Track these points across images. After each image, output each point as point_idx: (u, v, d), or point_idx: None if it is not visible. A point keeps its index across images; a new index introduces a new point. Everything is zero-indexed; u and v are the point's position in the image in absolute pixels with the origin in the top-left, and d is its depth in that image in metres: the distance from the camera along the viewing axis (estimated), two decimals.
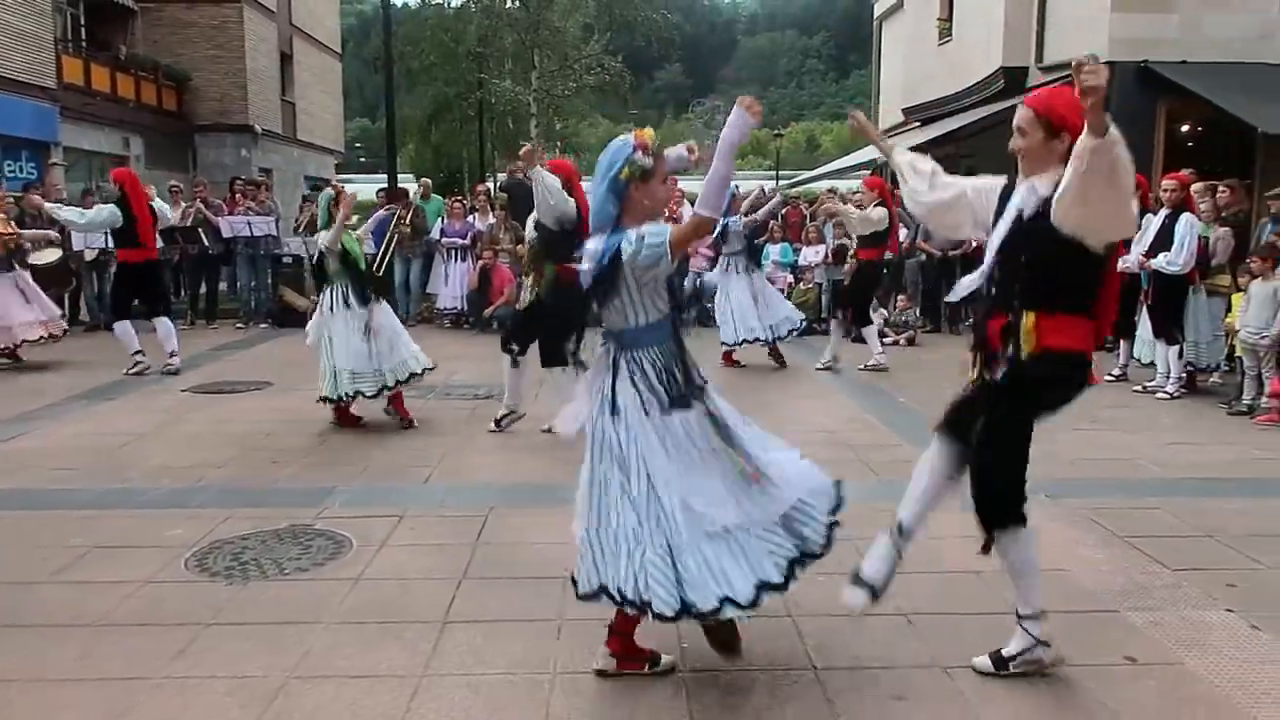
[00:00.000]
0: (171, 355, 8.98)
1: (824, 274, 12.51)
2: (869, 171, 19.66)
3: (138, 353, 8.88)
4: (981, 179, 3.29)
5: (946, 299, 10.84)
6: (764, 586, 2.82)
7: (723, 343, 9.26)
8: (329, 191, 6.72)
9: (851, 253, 9.90)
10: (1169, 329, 7.93)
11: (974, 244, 12.04)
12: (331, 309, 6.48)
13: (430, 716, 2.93)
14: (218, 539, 4.47)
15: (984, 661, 3.17)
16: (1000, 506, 3.08)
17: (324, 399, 6.51)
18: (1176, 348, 7.92)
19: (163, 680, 3.14)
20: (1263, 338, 7.20)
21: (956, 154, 17.20)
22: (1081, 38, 13.98)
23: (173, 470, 5.68)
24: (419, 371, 6.65)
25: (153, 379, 8.67)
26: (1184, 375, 8.01)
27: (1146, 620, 3.59)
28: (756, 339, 9.09)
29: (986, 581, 3.93)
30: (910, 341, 11.14)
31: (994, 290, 3.07)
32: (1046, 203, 2.86)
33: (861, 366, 9.30)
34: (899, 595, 3.79)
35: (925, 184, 3.32)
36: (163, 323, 9.12)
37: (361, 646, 3.38)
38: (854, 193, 10.31)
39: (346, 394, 6.42)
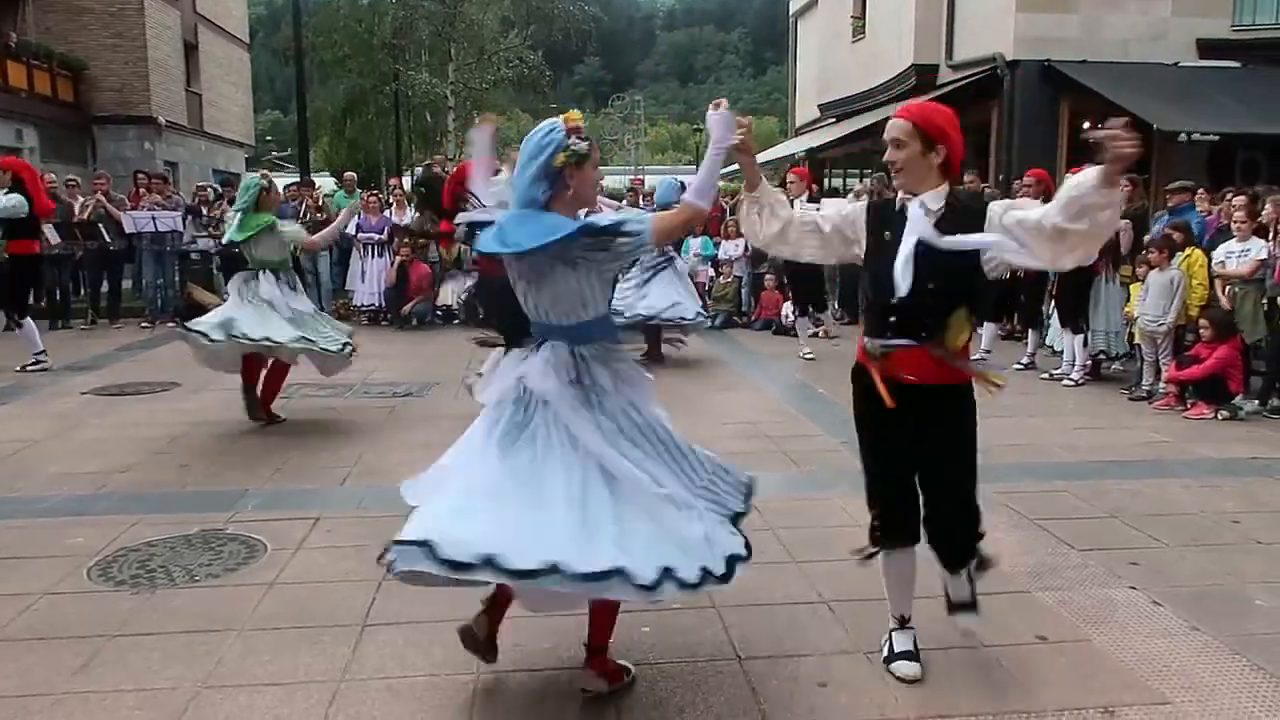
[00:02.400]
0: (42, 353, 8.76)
1: (744, 268, 12.64)
2: (795, 164, 19.91)
3: (40, 352, 8.66)
4: (833, 204, 3.29)
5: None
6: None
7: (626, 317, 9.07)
8: (258, 179, 6.45)
9: None
10: (1074, 318, 8.24)
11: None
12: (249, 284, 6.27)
13: None
14: (122, 547, 4.28)
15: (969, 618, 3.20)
16: (977, 524, 3.05)
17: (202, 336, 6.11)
18: (1081, 336, 8.23)
19: (63, 696, 3.00)
20: (1160, 325, 7.52)
21: (870, 149, 17.57)
22: (988, 36, 14.42)
23: (73, 477, 5.42)
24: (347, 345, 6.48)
25: (48, 381, 8.29)
26: (1088, 363, 8.34)
27: (1056, 599, 3.71)
28: (639, 317, 8.71)
29: None
30: (827, 334, 11.32)
31: (894, 320, 2.91)
32: (945, 221, 2.84)
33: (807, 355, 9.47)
34: (820, 583, 3.86)
35: (761, 224, 3.16)
36: (29, 324, 8.83)
37: (277, 653, 3.28)
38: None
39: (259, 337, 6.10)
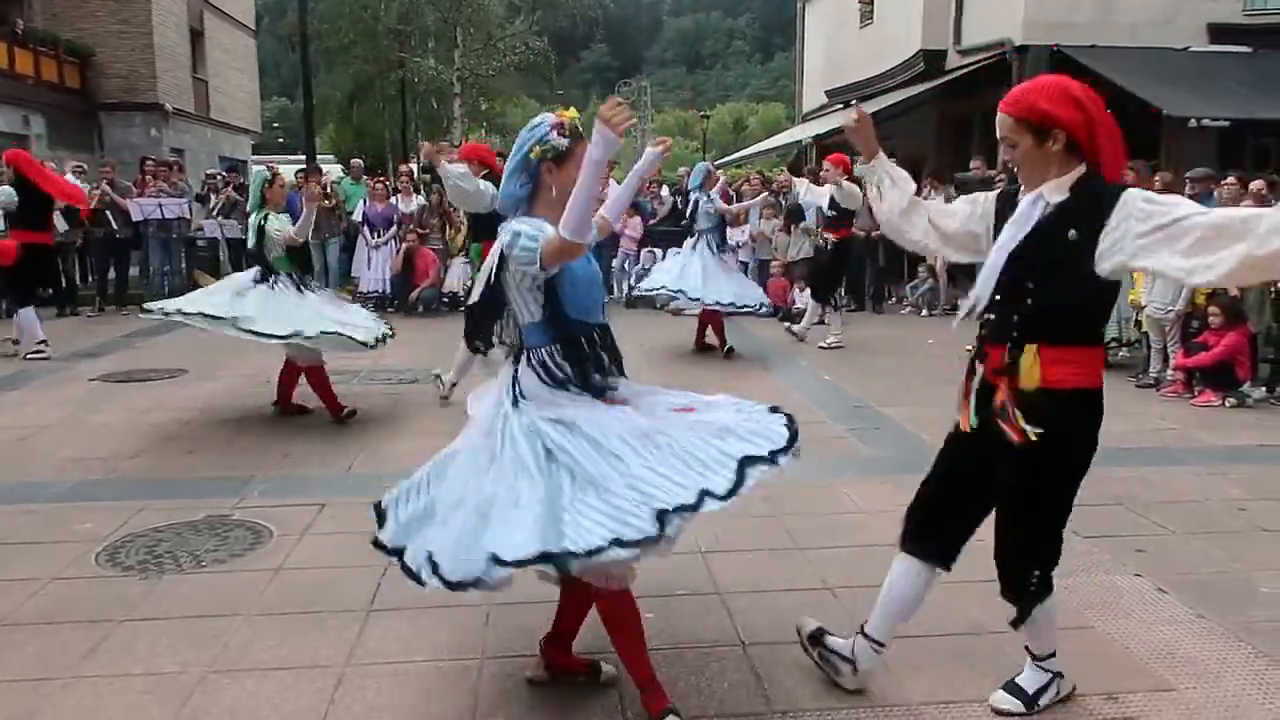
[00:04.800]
0: (42, 342, 8.78)
1: (750, 255, 12.63)
2: (819, 144, 19.85)
3: (41, 342, 8.70)
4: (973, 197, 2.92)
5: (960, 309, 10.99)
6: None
7: (645, 291, 9.17)
8: (264, 171, 6.44)
9: (819, 232, 10.06)
10: None
11: None
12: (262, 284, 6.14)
13: (355, 707, 2.88)
14: (130, 532, 4.31)
15: (1005, 698, 2.86)
16: (1038, 583, 2.74)
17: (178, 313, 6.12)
18: None
19: (72, 680, 3.02)
20: (1168, 313, 7.49)
21: (879, 136, 17.48)
22: (997, 21, 14.31)
23: (82, 462, 5.45)
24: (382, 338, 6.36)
25: (57, 368, 8.32)
26: None
27: (1061, 586, 3.66)
28: (697, 299, 8.73)
29: None
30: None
31: (993, 317, 2.66)
32: (1063, 216, 2.50)
33: (822, 344, 9.47)
34: (825, 570, 3.87)
35: (882, 198, 2.98)
36: (28, 313, 8.85)
37: (283, 638, 3.30)
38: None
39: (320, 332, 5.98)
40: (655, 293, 9.21)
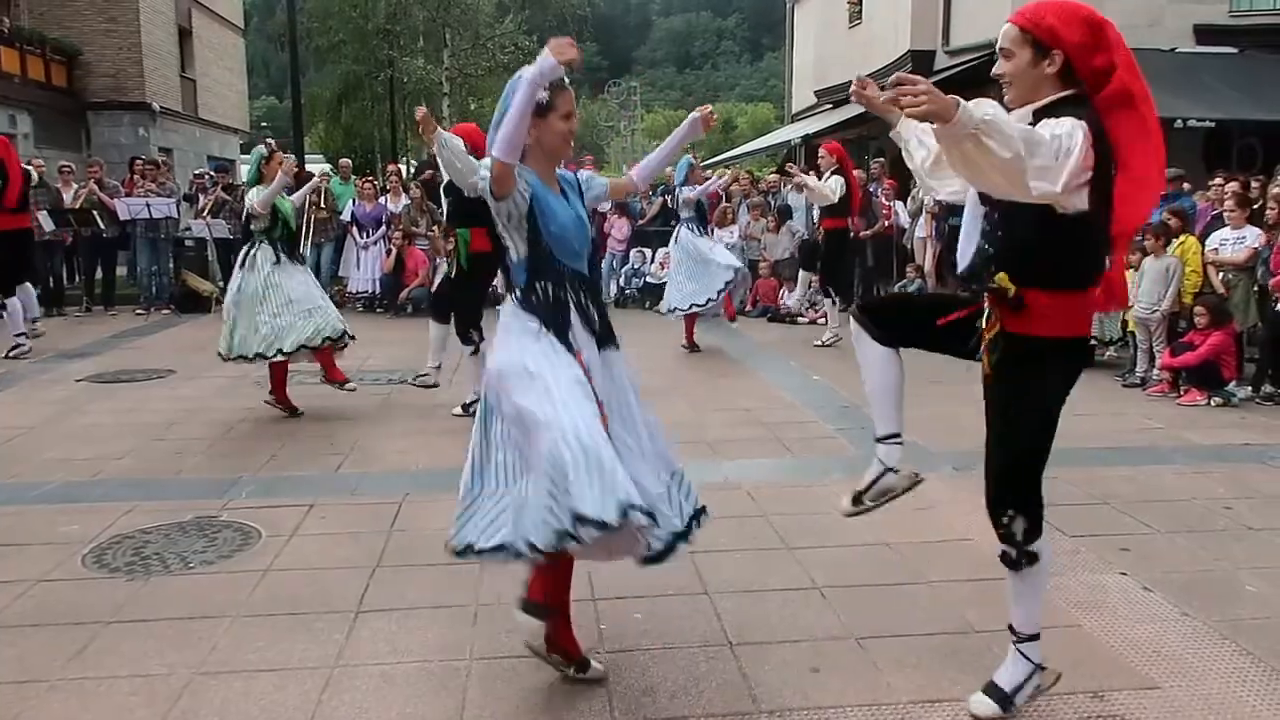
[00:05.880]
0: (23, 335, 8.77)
1: (739, 255, 12.63)
2: (808, 144, 19.85)
3: (20, 334, 8.68)
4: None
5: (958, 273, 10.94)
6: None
7: (674, 309, 9.24)
8: (261, 148, 6.44)
9: (817, 225, 10.12)
10: None
11: (885, 224, 12.35)
12: (259, 265, 6.21)
13: (343, 709, 2.87)
14: (117, 533, 4.29)
15: (982, 701, 2.82)
16: (1007, 525, 2.72)
17: (240, 359, 6.20)
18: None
19: (58, 682, 3.01)
20: (1154, 312, 7.53)
21: (865, 135, 17.55)
22: (985, 22, 14.35)
23: (68, 464, 5.43)
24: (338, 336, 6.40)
25: (43, 369, 8.28)
26: None
27: (1048, 584, 3.72)
28: (693, 305, 9.05)
29: (897, 552, 4.04)
30: (825, 319, 11.32)
31: (976, 260, 2.67)
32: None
33: (816, 343, 9.47)
34: (813, 569, 3.88)
35: (923, 156, 2.91)
36: (14, 303, 8.82)
37: (271, 639, 3.29)
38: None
39: (276, 351, 6.14)
40: (671, 313, 9.32)
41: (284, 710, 2.86)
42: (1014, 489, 2.73)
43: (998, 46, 2.57)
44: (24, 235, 9.10)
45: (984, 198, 2.61)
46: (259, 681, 3.01)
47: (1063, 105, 2.46)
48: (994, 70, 2.61)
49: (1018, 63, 2.50)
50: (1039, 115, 2.46)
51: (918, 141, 2.90)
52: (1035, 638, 2.82)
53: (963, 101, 2.16)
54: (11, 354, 8.54)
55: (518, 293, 2.86)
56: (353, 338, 6.54)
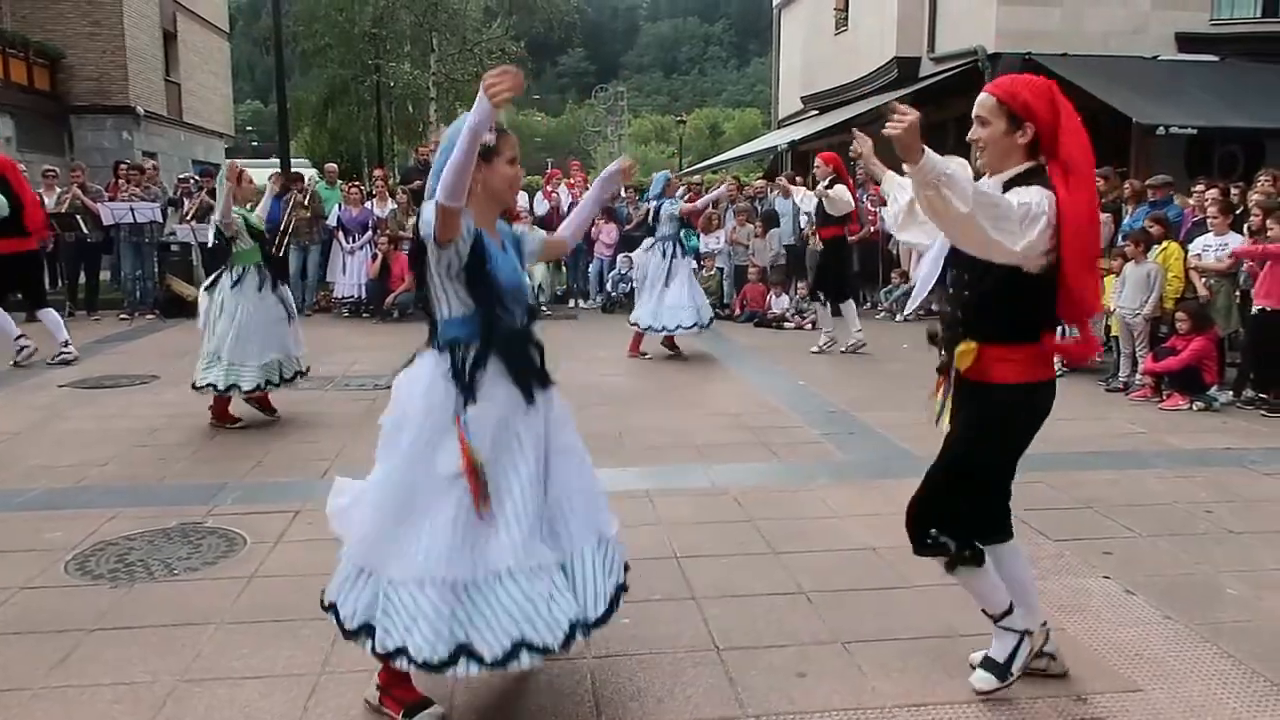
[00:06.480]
0: (65, 345, 8.72)
1: (726, 260, 12.69)
2: (795, 149, 19.90)
3: (20, 336, 8.56)
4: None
5: (903, 313, 10.98)
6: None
7: (631, 322, 9.27)
8: (225, 172, 6.40)
9: (812, 231, 10.14)
10: None
11: (871, 230, 12.42)
12: (232, 289, 6.15)
13: (329, 716, 2.86)
14: (101, 540, 4.27)
15: (981, 676, 2.95)
16: (933, 541, 2.85)
17: (203, 387, 6.16)
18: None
19: (40, 691, 2.99)
20: (1136, 317, 7.60)
21: (851, 142, 17.60)
22: (970, 29, 14.47)
23: (51, 470, 5.39)
24: (297, 374, 6.45)
25: (26, 374, 8.22)
26: None
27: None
28: (649, 328, 9.09)
29: (883, 557, 4.06)
30: (813, 325, 11.37)
31: (949, 311, 2.85)
32: None
33: (841, 349, 9.45)
34: (799, 574, 3.89)
35: (896, 205, 3.12)
36: (48, 314, 8.79)
37: (256, 646, 3.28)
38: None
39: (231, 385, 6.11)
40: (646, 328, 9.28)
41: (269, 717, 2.85)
42: (943, 513, 2.86)
43: (974, 114, 2.75)
44: (29, 258, 9.03)
45: (952, 256, 2.80)
46: (244, 689, 3.00)
47: (1030, 176, 2.68)
48: (969, 135, 2.80)
49: (993, 130, 2.71)
50: (1008, 186, 2.68)
51: (893, 197, 3.15)
52: (1009, 611, 2.93)
53: (931, 152, 2.40)
54: (21, 360, 8.47)
55: (446, 351, 2.69)
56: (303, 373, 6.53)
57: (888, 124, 2.38)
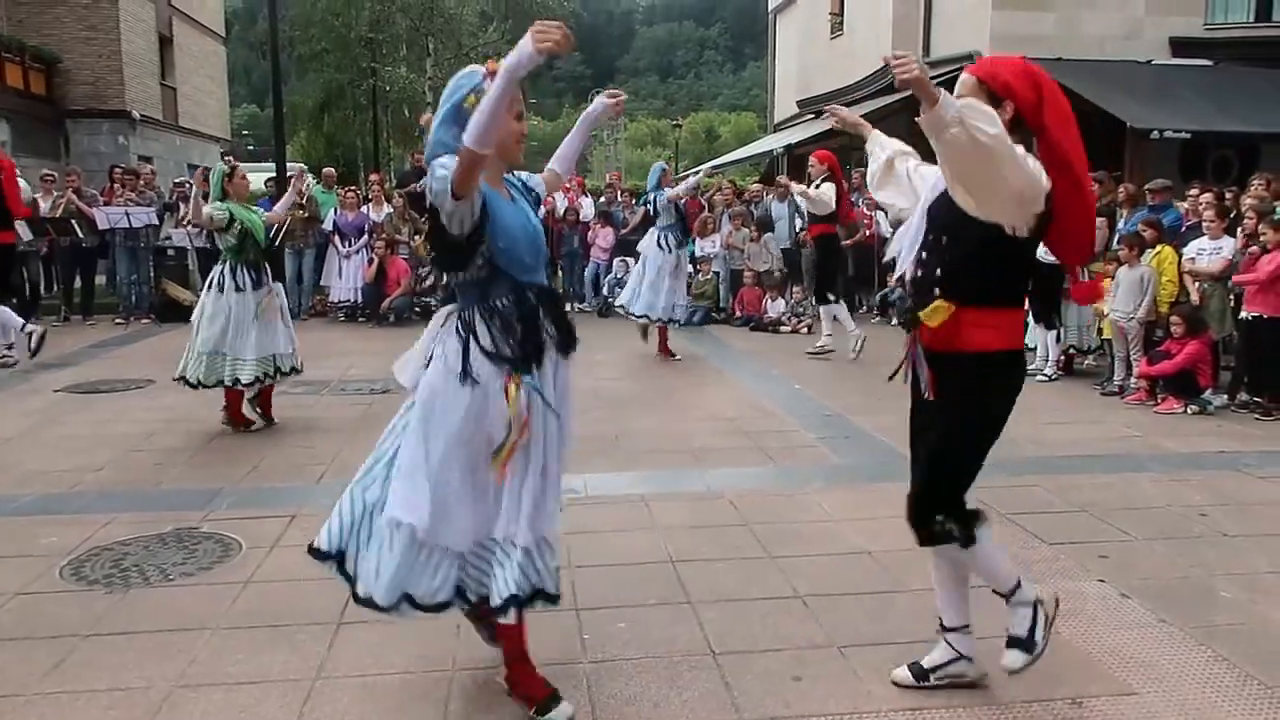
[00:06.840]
0: (9, 348, 8.65)
1: (722, 264, 12.70)
2: (791, 153, 19.91)
3: (9, 345, 8.57)
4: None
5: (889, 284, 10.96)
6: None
7: (634, 314, 9.32)
8: (222, 166, 6.35)
9: (803, 230, 10.18)
10: (1047, 314, 8.32)
11: (868, 233, 12.43)
12: (221, 288, 6.11)
13: None
14: (96, 545, 4.26)
15: (904, 674, 3.04)
16: (940, 526, 2.86)
17: (182, 380, 6.14)
18: (1054, 332, 8.32)
19: (34, 697, 2.98)
20: (1129, 321, 7.61)
21: (849, 145, 17.63)
22: (965, 33, 14.51)
23: (46, 475, 5.38)
24: (293, 369, 6.43)
25: (21, 379, 8.20)
26: (1061, 358, 8.44)
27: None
28: (644, 317, 9.22)
29: (879, 561, 4.07)
30: (809, 330, 11.39)
31: (920, 275, 2.85)
32: None
33: (851, 355, 9.43)
34: (795, 578, 3.89)
35: (876, 163, 3.20)
36: (2, 310, 8.64)
37: (252, 651, 3.27)
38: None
39: (217, 380, 6.10)
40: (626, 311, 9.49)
41: None
42: (949, 496, 2.86)
43: (955, 94, 2.72)
44: (8, 251, 9.11)
45: (930, 217, 2.82)
46: (239, 694, 3.00)
47: None
48: None
49: None
50: None
51: (874, 155, 3.19)
52: (1018, 586, 2.94)
53: (945, 91, 2.44)
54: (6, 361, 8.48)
55: (484, 319, 2.66)
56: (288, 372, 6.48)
57: (895, 72, 2.39)
